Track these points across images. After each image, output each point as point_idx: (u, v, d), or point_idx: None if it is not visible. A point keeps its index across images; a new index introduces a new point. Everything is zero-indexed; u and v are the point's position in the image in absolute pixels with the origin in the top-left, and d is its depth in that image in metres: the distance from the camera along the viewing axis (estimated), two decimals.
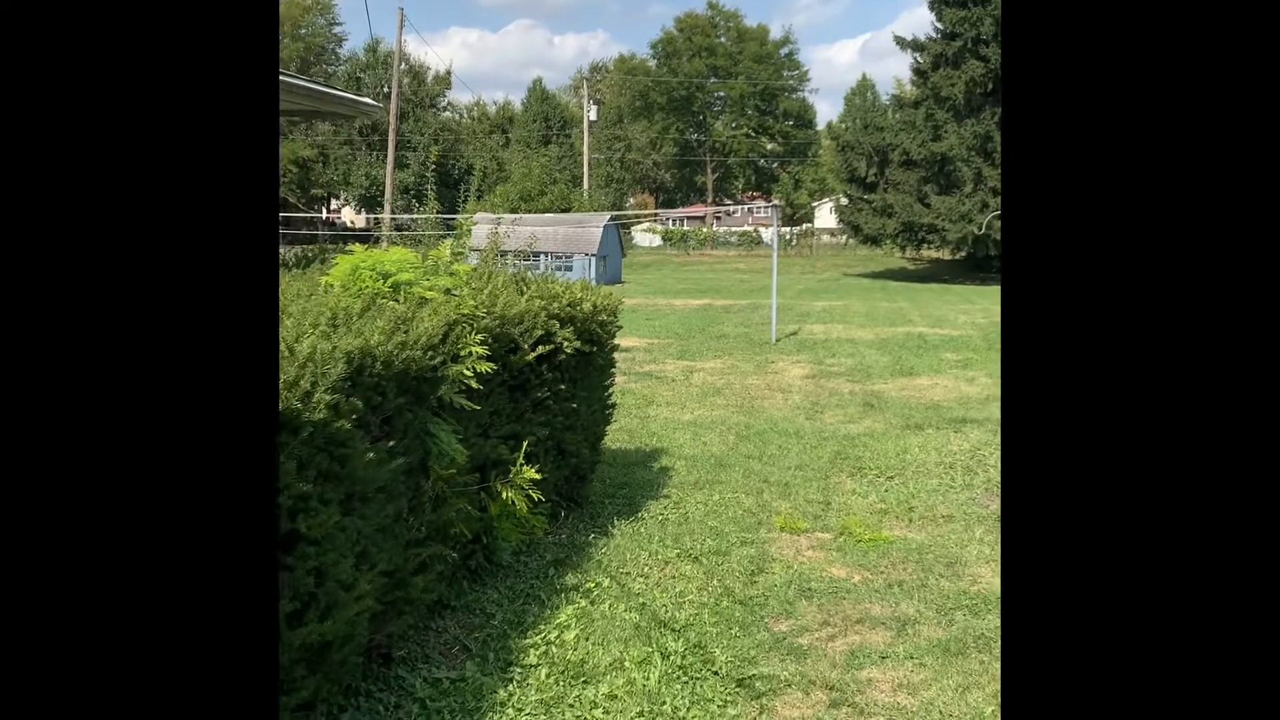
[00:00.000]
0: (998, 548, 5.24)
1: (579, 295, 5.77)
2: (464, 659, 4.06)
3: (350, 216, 71.88)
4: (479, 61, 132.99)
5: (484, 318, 4.58)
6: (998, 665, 3.86)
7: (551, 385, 5.35)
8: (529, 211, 38.66)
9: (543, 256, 30.42)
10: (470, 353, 4.23)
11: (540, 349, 5.09)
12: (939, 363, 13.68)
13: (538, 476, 4.62)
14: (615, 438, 8.55)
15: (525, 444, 4.83)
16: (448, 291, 4.66)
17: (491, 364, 4.35)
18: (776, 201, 16.21)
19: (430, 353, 3.89)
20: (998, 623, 4.25)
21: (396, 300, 4.32)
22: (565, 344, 5.32)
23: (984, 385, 11.55)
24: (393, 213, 46.61)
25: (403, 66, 73.62)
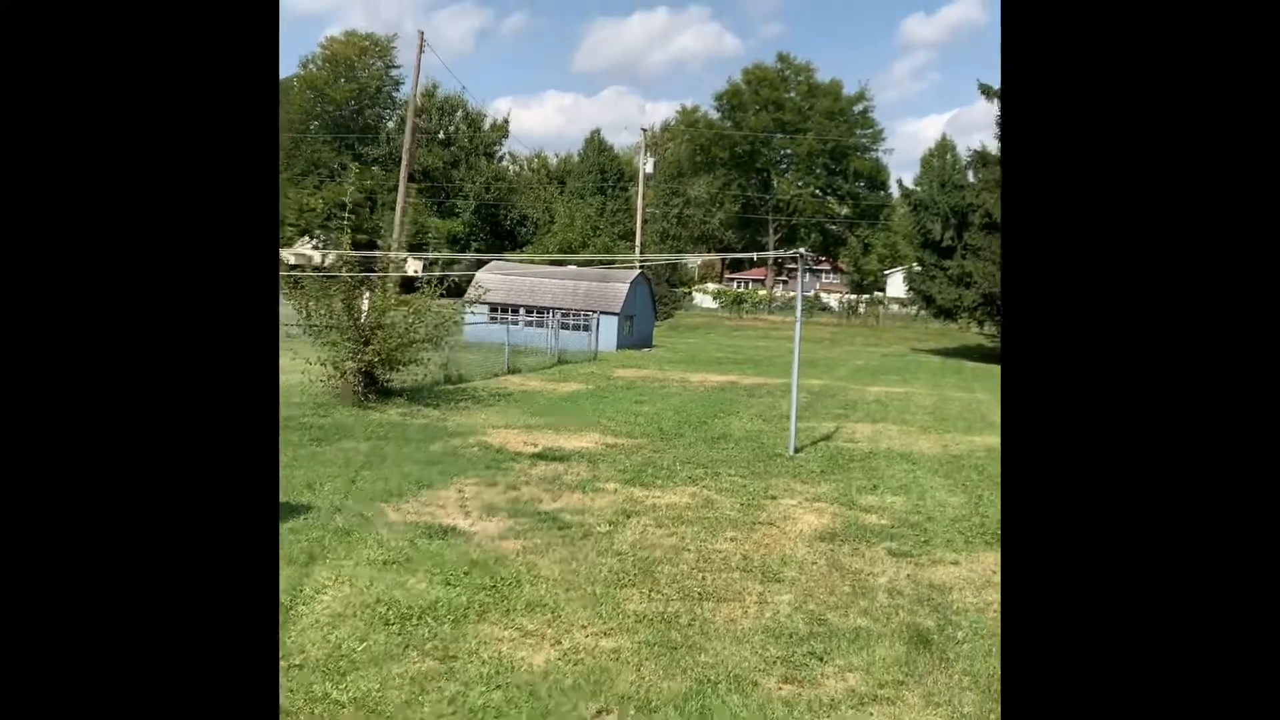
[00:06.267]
0: None
1: None
2: None
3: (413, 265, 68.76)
4: (571, 125, 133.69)
5: None
6: None
7: None
8: (571, 264, 34.41)
9: (549, 314, 25.84)
10: None
11: None
12: None
13: None
14: None
15: None
16: None
17: None
18: (803, 250, 11.47)
19: None
20: None
21: None
22: None
23: None
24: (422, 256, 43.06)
25: (459, 114, 71.06)
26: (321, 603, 5.26)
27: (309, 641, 4.70)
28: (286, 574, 5.65)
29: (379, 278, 13.34)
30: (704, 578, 6.14)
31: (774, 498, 8.63)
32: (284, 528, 6.60)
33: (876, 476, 9.93)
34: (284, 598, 5.26)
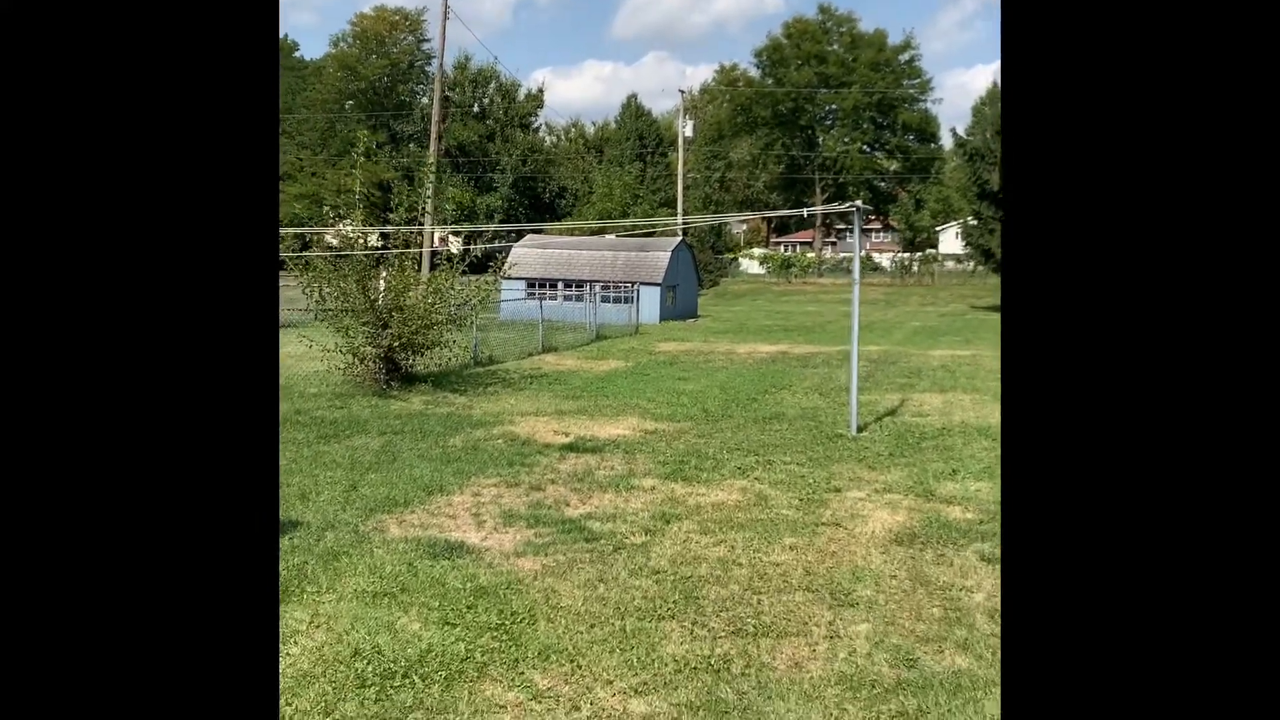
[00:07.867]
0: None
1: None
2: None
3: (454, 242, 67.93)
4: (611, 94, 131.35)
5: None
6: None
7: None
8: (609, 234, 33.22)
9: (588, 287, 24.74)
10: None
11: None
12: None
13: None
14: None
15: None
16: None
17: None
18: (859, 203, 10.13)
19: None
20: None
21: None
22: None
23: None
24: (444, 227, 42.31)
25: (493, 86, 69.86)
26: (288, 657, 4.27)
27: None
28: None
29: (396, 255, 12.34)
30: (759, 602, 5.03)
31: (838, 490, 7.48)
32: None
33: (954, 458, 8.71)
34: None
